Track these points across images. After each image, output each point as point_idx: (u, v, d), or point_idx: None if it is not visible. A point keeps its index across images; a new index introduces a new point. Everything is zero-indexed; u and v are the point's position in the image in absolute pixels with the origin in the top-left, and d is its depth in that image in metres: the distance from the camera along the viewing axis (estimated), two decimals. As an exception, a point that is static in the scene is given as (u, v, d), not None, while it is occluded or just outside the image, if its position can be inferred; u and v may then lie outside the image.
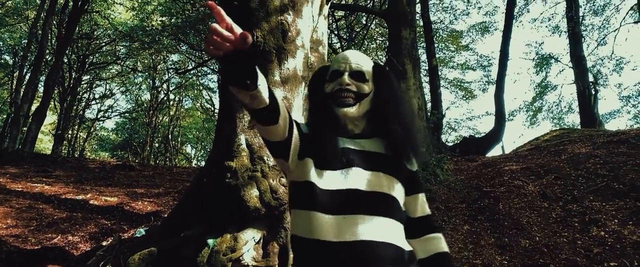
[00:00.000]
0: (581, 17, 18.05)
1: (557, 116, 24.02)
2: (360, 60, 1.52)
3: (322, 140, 1.40)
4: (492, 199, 6.69)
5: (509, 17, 14.54)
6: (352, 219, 1.27)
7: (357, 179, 1.34)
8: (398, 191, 1.39)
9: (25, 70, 19.18)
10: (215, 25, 0.96)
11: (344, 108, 1.43)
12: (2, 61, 24.57)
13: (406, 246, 1.36)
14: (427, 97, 16.43)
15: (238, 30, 0.99)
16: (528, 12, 23.95)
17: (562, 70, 22.36)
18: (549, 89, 23.20)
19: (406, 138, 1.45)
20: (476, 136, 17.52)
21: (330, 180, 1.33)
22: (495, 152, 14.24)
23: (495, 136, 13.66)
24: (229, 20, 0.98)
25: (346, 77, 1.46)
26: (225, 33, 0.96)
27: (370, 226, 1.27)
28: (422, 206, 1.51)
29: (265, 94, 1.15)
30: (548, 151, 9.11)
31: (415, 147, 1.49)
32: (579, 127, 16.51)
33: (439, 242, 1.48)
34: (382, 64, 1.64)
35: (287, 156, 1.36)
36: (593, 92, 16.54)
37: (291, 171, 1.41)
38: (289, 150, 1.35)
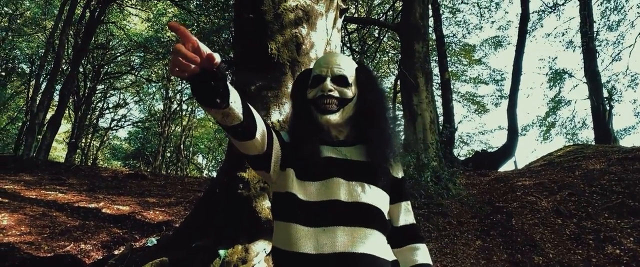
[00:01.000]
0: (595, 33, 17.94)
1: (571, 132, 23.79)
2: (342, 63, 1.45)
3: (303, 150, 1.36)
4: (504, 214, 6.62)
5: (522, 32, 14.50)
6: (332, 231, 1.24)
7: (338, 189, 1.31)
8: (381, 201, 1.35)
9: (41, 79, 19.48)
10: (180, 45, 0.91)
11: (326, 115, 1.39)
12: (19, 70, 24.98)
13: (389, 257, 1.33)
14: (439, 110, 16.38)
15: (205, 50, 0.94)
16: (541, 26, 23.95)
17: (576, 85, 22.31)
18: (563, 104, 23.02)
19: (384, 144, 1.41)
20: (488, 150, 17.40)
21: (310, 191, 1.31)
22: (507, 167, 14.15)
23: (507, 150, 13.56)
24: (194, 40, 0.92)
25: (328, 82, 1.41)
26: (190, 54, 0.91)
27: (350, 238, 1.24)
28: (405, 214, 1.48)
29: (238, 111, 1.12)
30: (562, 167, 9.01)
31: (392, 153, 1.44)
32: (593, 143, 16.33)
33: (420, 253, 1.43)
34: (365, 65, 1.58)
35: (268, 168, 1.33)
36: (608, 108, 16.38)
37: (273, 182, 1.38)
38: (270, 162, 1.32)
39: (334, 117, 1.39)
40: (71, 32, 17.88)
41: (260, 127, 1.23)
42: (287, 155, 1.36)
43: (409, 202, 1.50)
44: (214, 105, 1.04)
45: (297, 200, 1.29)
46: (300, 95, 1.51)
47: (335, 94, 1.40)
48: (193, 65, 0.93)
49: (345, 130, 1.47)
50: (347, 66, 1.46)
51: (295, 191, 1.31)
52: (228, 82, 1.06)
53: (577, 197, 6.82)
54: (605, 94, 17.28)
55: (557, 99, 23.06)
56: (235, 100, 1.10)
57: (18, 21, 21.07)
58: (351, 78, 1.44)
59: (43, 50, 19.47)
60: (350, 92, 1.42)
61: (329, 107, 1.39)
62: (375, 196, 1.34)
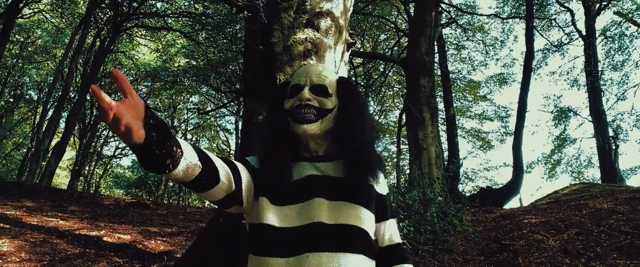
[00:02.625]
0: (600, 72, 18.06)
1: (577, 170, 23.67)
2: (322, 73, 1.37)
3: (274, 171, 1.25)
4: (511, 252, 6.51)
5: (527, 70, 14.62)
6: (316, 258, 1.14)
7: (320, 211, 1.21)
8: (367, 221, 1.25)
9: (48, 106, 19.68)
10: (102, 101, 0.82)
11: (303, 125, 1.28)
12: (27, 97, 25.27)
13: None
14: (444, 146, 16.38)
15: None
16: (546, 65, 24.03)
17: (582, 123, 22.26)
18: (568, 142, 22.98)
19: (366, 159, 1.30)
20: (493, 186, 17.28)
21: (291, 215, 1.21)
22: (512, 204, 14.01)
23: (513, 187, 13.46)
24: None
25: (306, 91, 1.32)
26: (113, 102, 0.83)
27: (336, 266, 1.14)
28: (390, 233, 1.38)
29: (195, 159, 1.04)
30: (568, 205, 8.91)
31: (375, 168, 1.33)
32: (600, 181, 16.20)
33: None
34: (347, 77, 1.51)
35: (241, 202, 1.22)
36: (613, 147, 16.33)
37: (248, 213, 1.28)
38: (241, 196, 1.21)
39: (312, 128, 1.29)
40: (80, 60, 18.16)
41: (222, 168, 1.14)
42: (259, 182, 1.26)
43: (394, 220, 1.41)
44: (173, 158, 0.96)
45: (270, 231, 1.20)
46: (277, 106, 1.41)
47: (314, 103, 1.31)
48: (128, 115, 0.85)
49: (324, 144, 1.36)
50: (328, 76, 1.38)
51: (270, 221, 1.21)
52: (173, 135, 0.99)
53: (584, 237, 6.70)
54: (611, 133, 17.26)
55: (562, 136, 23.05)
56: (186, 149, 1.02)
57: (29, 49, 21.43)
58: (332, 88, 1.36)
59: (52, 78, 19.74)
60: (330, 102, 1.33)
61: (306, 116, 1.29)
62: (361, 217, 1.24)
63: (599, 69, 17.92)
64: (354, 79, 17.33)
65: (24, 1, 15.55)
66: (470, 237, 7.28)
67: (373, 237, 1.29)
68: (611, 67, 19.81)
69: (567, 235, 6.89)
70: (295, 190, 1.25)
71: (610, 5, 17.97)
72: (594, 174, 23.81)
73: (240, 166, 1.24)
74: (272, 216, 1.21)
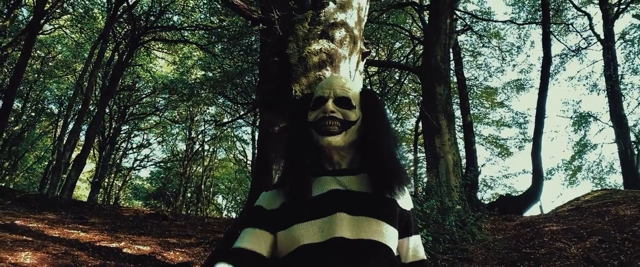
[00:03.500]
0: (620, 76, 17.76)
1: (598, 176, 23.18)
2: (346, 85, 1.38)
3: (298, 188, 1.26)
4: (532, 261, 6.41)
5: (545, 75, 14.46)
6: None
7: (342, 226, 1.20)
8: (390, 237, 1.23)
9: (69, 120, 20.04)
10: None
11: (328, 137, 1.29)
12: (48, 110, 25.78)
13: None
14: (462, 153, 16.22)
15: None
16: (564, 70, 23.77)
17: (602, 129, 21.82)
18: (589, 147, 22.56)
19: (390, 173, 1.29)
20: (513, 194, 17.05)
21: (310, 232, 1.20)
22: (533, 211, 13.79)
23: (532, 194, 13.27)
24: None
25: (330, 103, 1.32)
26: None
27: None
28: (414, 250, 1.36)
29: None
30: (590, 212, 8.75)
31: (399, 182, 1.31)
32: (622, 188, 15.88)
33: None
34: (370, 89, 1.51)
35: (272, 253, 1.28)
36: (636, 152, 16.01)
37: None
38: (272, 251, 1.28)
39: (336, 139, 1.29)
40: (99, 74, 18.49)
41: (253, 259, 1.21)
42: (278, 221, 1.28)
43: (418, 236, 1.40)
44: None
45: (293, 253, 1.22)
46: (300, 118, 1.41)
47: (338, 115, 1.31)
48: None
49: (347, 157, 1.36)
50: (351, 88, 1.39)
51: (289, 249, 1.23)
52: None
53: (608, 245, 6.57)
54: (633, 138, 16.93)
55: (582, 142, 22.65)
56: None
57: (50, 64, 21.88)
58: (355, 101, 1.37)
59: (72, 92, 20.12)
60: (353, 114, 1.34)
61: (330, 128, 1.30)
62: (384, 232, 1.22)
63: (619, 72, 17.63)
64: (369, 87, 17.33)
65: (44, 17, 15.91)
66: (490, 246, 7.19)
67: (395, 253, 1.28)
68: (631, 70, 19.42)
69: (590, 243, 6.76)
70: (317, 205, 1.25)
71: (629, 8, 17.71)
72: (616, 180, 23.33)
73: (264, 232, 1.28)
74: (291, 242, 1.22)
